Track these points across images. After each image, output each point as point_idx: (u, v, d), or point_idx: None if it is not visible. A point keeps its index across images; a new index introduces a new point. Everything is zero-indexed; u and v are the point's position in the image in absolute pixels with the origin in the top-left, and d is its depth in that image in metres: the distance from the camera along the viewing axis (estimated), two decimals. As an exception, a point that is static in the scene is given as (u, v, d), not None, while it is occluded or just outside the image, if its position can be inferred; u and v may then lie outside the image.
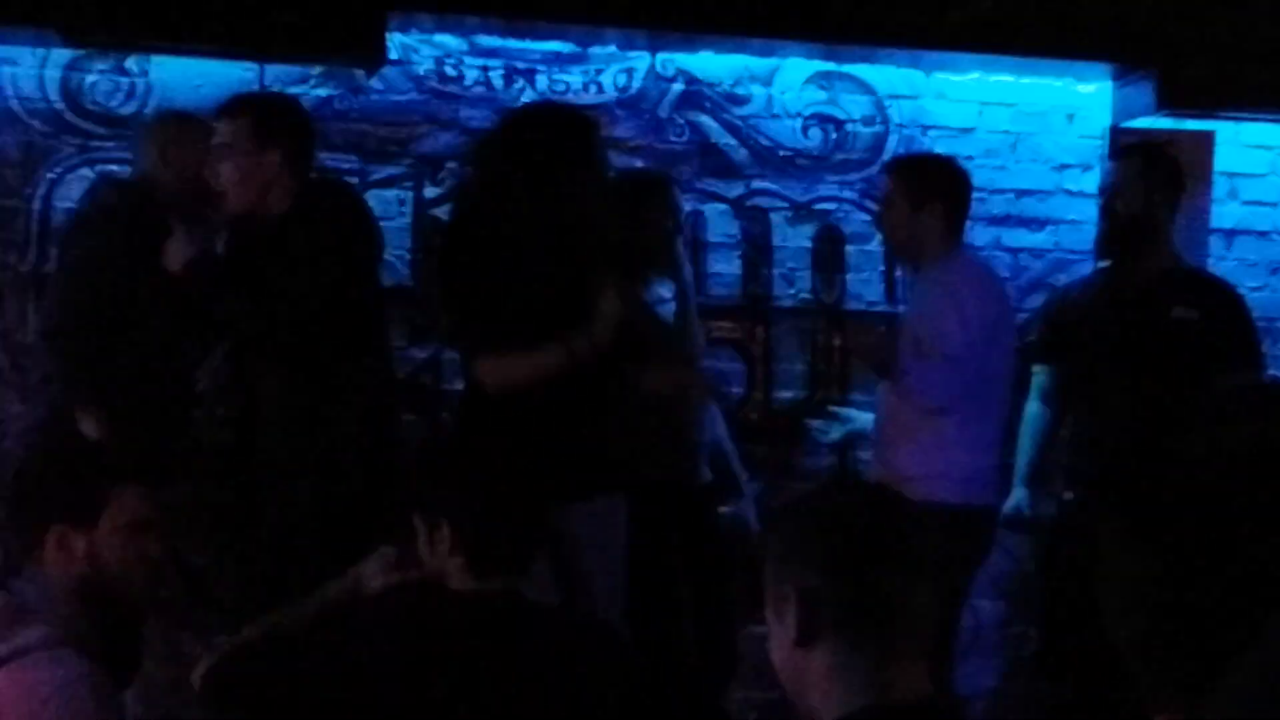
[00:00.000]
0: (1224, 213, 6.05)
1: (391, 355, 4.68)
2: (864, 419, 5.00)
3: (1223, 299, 4.89)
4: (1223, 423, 1.52)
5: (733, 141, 5.73)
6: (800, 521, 2.03)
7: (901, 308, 5.47)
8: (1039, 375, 5.03)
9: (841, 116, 5.81)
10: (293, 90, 5.38)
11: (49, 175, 5.24)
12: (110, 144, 5.25)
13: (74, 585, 2.72)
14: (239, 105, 4.45)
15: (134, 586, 2.81)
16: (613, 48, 5.62)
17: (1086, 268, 5.81)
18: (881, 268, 5.83)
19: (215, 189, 4.35)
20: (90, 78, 5.29)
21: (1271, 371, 5.95)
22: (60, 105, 5.27)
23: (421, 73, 5.51)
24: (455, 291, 4.21)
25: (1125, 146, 5.30)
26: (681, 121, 5.70)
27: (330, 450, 4.29)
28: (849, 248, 5.81)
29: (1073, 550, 4.67)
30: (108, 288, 4.53)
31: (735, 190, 5.72)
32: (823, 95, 5.81)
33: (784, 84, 5.78)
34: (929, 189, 4.65)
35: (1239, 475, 1.48)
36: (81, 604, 2.72)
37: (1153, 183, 4.82)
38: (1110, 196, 4.89)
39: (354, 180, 5.43)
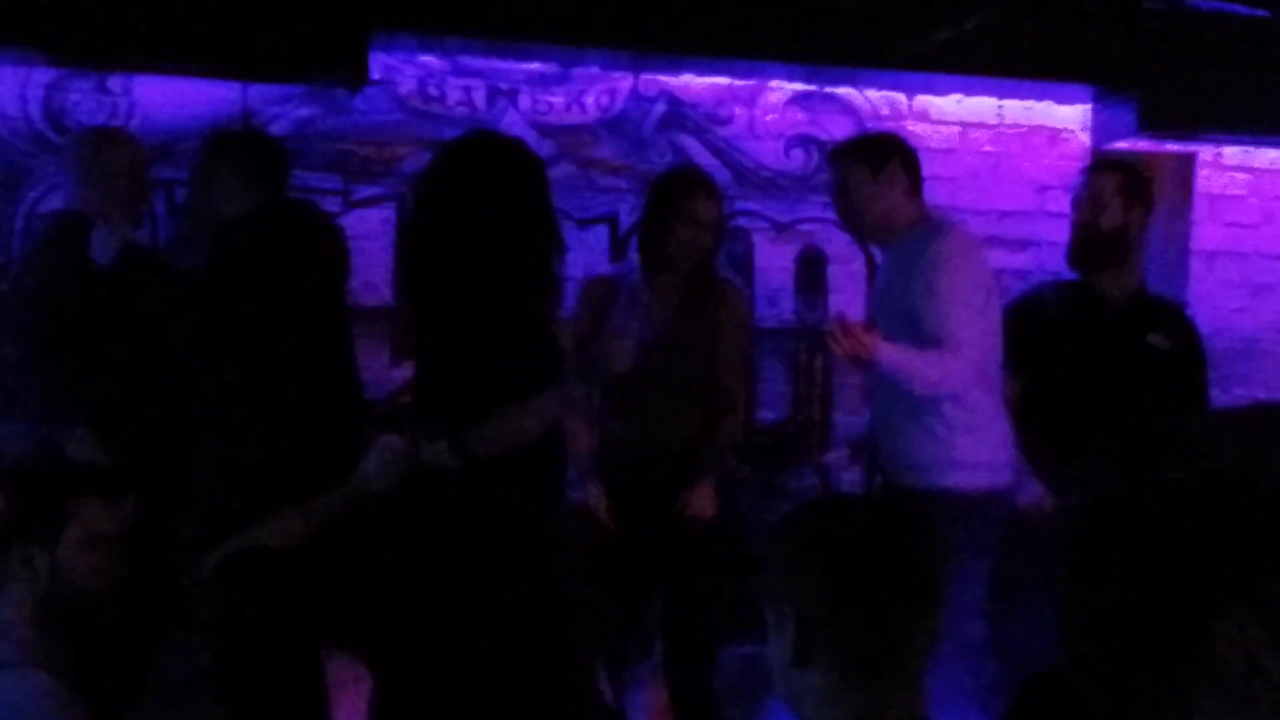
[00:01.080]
0: (1204, 234, 6.08)
1: (355, 373, 4.65)
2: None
3: (1189, 329, 4.92)
4: (1199, 452, 1.54)
5: (715, 162, 5.73)
6: (806, 543, 1.99)
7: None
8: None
9: (824, 137, 5.82)
10: (275, 110, 5.39)
11: (31, 195, 5.22)
12: (92, 163, 5.24)
13: (39, 603, 2.71)
14: None
15: (99, 603, 2.80)
16: (595, 68, 5.63)
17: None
18: (864, 288, 5.84)
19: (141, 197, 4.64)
20: (73, 97, 5.28)
21: (1257, 392, 5.98)
22: (42, 124, 5.26)
23: (404, 93, 5.51)
24: (439, 360, 4.04)
25: (1101, 162, 5.30)
26: (664, 142, 5.71)
27: (281, 464, 4.31)
28: (831, 268, 5.82)
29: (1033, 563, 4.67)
30: (48, 306, 4.48)
31: (718, 211, 5.71)
32: (805, 116, 5.82)
33: (766, 105, 5.79)
34: (883, 151, 4.56)
35: (1189, 507, 1.50)
36: (47, 622, 2.70)
37: (1129, 198, 4.84)
38: (1090, 208, 4.88)
39: (337, 199, 5.44)
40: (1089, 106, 5.92)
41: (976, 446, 4.39)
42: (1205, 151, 6.01)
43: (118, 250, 4.39)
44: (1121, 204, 4.81)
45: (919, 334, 4.25)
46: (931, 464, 4.34)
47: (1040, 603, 4.06)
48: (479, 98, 5.56)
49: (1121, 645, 1.50)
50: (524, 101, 5.59)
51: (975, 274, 4.37)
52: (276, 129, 5.39)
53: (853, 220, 4.62)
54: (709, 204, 4.74)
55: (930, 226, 4.46)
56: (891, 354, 4.12)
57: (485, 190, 3.91)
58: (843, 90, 5.83)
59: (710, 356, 4.79)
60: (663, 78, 5.69)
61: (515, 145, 4.08)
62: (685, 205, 4.70)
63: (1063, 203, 5.92)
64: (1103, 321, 4.80)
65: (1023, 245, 5.97)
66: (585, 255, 5.57)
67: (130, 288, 4.41)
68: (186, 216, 4.65)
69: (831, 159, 4.71)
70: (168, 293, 4.44)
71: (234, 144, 4.63)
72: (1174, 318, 4.93)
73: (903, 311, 4.35)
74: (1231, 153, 6.07)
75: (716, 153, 5.75)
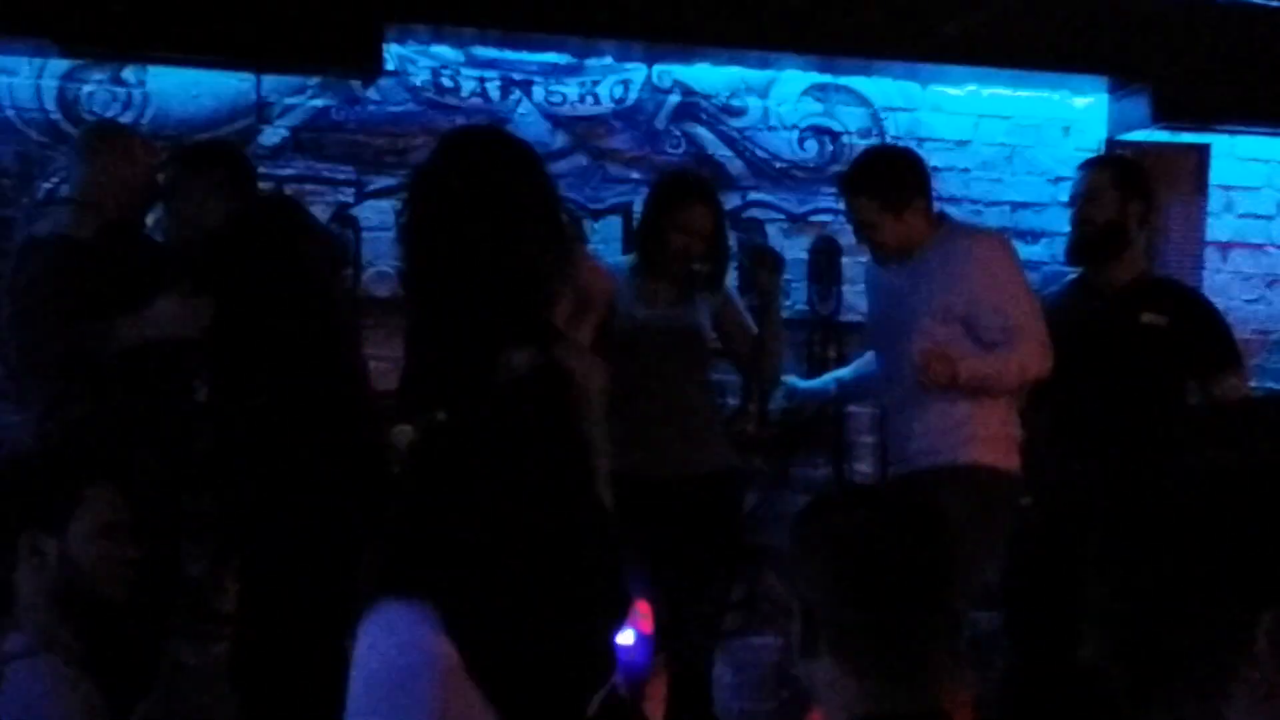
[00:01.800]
0: (1219, 225, 6.06)
1: (357, 364, 4.67)
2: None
3: (1192, 306, 4.90)
4: (1217, 440, 1.51)
5: (729, 153, 5.74)
6: (811, 536, 1.99)
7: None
8: None
9: (837, 128, 5.82)
10: (289, 101, 5.39)
11: (45, 185, 5.23)
12: (107, 154, 5.24)
13: (49, 591, 2.71)
14: None
15: (110, 590, 2.80)
16: (609, 59, 5.62)
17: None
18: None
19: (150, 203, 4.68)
20: (87, 88, 5.29)
21: (1270, 383, 5.96)
22: (57, 115, 5.26)
23: (418, 83, 5.51)
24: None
25: (1095, 158, 5.32)
26: (678, 133, 5.71)
27: (288, 458, 4.35)
28: (845, 259, 5.82)
29: (1033, 555, 4.69)
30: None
31: (731, 202, 5.70)
32: (819, 107, 5.82)
33: (780, 96, 5.79)
34: (903, 189, 4.58)
35: (1233, 494, 1.48)
36: (59, 610, 2.71)
37: (1124, 192, 4.85)
38: (1083, 204, 4.90)
39: (351, 190, 5.44)
40: (1104, 98, 5.91)
41: (988, 423, 4.45)
42: (1220, 142, 5.99)
43: (98, 226, 4.43)
44: (1116, 198, 4.83)
45: (970, 336, 4.43)
46: (954, 442, 4.39)
47: (1057, 592, 4.05)
48: (493, 89, 5.56)
49: (1154, 638, 1.48)
50: (538, 92, 5.59)
51: (1018, 265, 4.60)
52: (290, 120, 5.41)
53: (875, 248, 4.71)
54: (705, 213, 4.78)
55: (946, 235, 4.53)
56: (972, 365, 4.39)
57: (482, 180, 3.91)
58: (857, 81, 5.82)
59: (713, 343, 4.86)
60: (676, 68, 5.68)
61: (510, 137, 4.09)
62: (679, 214, 4.76)
63: (1077, 194, 5.94)
64: (1097, 309, 4.82)
65: (1036, 236, 5.95)
66: (599, 246, 5.58)
67: (113, 260, 4.44)
68: (165, 232, 4.68)
69: (849, 192, 4.68)
70: (145, 263, 4.48)
71: (205, 157, 4.71)
72: (1173, 295, 4.92)
73: (920, 319, 4.40)
74: (1246, 144, 6.05)
75: (730, 144, 5.74)
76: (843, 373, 5.27)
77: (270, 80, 5.36)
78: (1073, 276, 5.14)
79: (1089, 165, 5.12)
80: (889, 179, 4.61)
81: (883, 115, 5.84)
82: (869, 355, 5.03)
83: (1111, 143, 5.86)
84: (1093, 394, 4.71)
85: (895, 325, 4.62)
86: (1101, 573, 1.54)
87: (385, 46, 5.25)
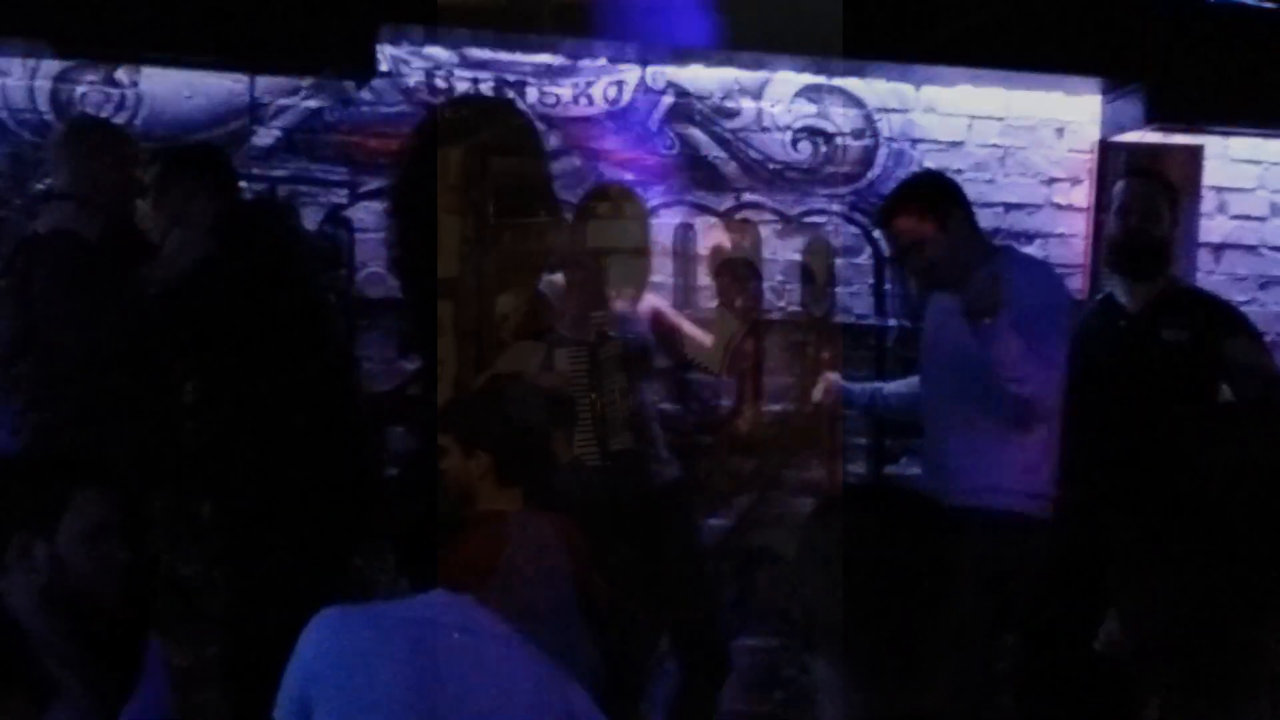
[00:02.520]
0: (1212, 227, 6.06)
1: (350, 364, 4.68)
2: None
3: (1215, 317, 4.88)
4: (1240, 437, 1.51)
5: (722, 154, 5.74)
6: (813, 535, 1.98)
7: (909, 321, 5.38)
8: None
9: (831, 130, 5.82)
10: (283, 101, 5.39)
11: (39, 186, 5.22)
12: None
13: (39, 594, 2.71)
14: None
15: (100, 592, 2.80)
16: (603, 60, 5.62)
17: (1074, 281, 5.82)
18: (871, 281, 5.84)
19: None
20: (80, 89, 5.29)
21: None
22: (50, 116, 5.26)
23: (412, 85, 5.51)
24: None
25: (1148, 168, 5.27)
26: (671, 134, 5.71)
27: (278, 458, 4.36)
28: (838, 260, 5.81)
29: (1057, 560, 4.67)
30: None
31: (725, 203, 5.72)
32: (812, 108, 5.81)
33: (774, 97, 5.78)
34: (944, 199, 4.56)
35: (1256, 486, 1.48)
36: (50, 613, 2.70)
37: (1172, 205, 4.87)
38: (1140, 216, 4.86)
39: (344, 191, 5.44)
40: (1097, 98, 5.91)
41: (1044, 472, 4.41)
42: (1213, 143, 5.99)
43: (102, 227, 4.45)
44: (1169, 214, 4.84)
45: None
46: (999, 488, 4.32)
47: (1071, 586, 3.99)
48: (487, 90, 5.55)
49: (1174, 635, 1.48)
50: (531, 93, 5.59)
51: (1068, 300, 4.57)
52: (284, 121, 5.41)
53: (928, 273, 4.60)
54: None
55: (1014, 259, 4.51)
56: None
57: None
58: (850, 82, 5.82)
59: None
60: (670, 69, 5.68)
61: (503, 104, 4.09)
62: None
63: (1070, 195, 5.94)
64: (1120, 328, 4.81)
65: (1030, 238, 5.95)
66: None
67: (119, 261, 4.46)
68: (151, 232, 4.71)
69: (890, 217, 4.60)
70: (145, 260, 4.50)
71: (190, 159, 4.78)
72: (1195, 309, 4.90)
73: (978, 332, 4.31)
74: (1239, 145, 6.05)
75: (723, 145, 5.74)
76: (886, 386, 5.19)
77: (264, 81, 5.36)
78: (1100, 295, 5.13)
79: (1143, 176, 5.07)
80: (924, 190, 4.61)
81: (876, 116, 5.84)
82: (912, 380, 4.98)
83: (1105, 144, 5.87)
84: (1117, 415, 4.67)
85: (955, 341, 4.47)
86: (1127, 567, 1.54)
87: (379, 48, 5.25)
